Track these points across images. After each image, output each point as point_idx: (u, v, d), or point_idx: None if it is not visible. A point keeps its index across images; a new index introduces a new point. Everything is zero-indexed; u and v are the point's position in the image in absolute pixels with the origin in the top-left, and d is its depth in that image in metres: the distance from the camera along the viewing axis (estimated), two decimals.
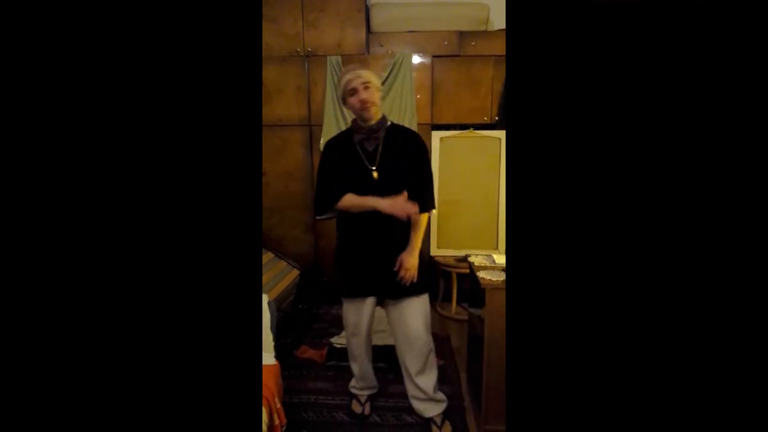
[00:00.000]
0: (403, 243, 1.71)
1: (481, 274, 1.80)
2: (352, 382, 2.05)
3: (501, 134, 2.83)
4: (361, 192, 1.67)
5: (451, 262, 2.90)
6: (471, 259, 2.04)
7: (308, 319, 2.89)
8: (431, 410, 1.83)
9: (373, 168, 1.68)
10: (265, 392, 1.54)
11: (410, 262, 1.69)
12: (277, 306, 2.41)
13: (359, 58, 2.91)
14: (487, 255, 2.09)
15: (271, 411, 1.57)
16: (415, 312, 1.75)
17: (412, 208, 1.60)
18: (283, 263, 2.95)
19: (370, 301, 1.79)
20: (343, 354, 2.41)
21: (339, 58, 2.89)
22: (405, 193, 1.60)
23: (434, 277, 2.01)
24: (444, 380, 2.18)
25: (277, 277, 2.76)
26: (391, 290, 1.73)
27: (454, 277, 2.96)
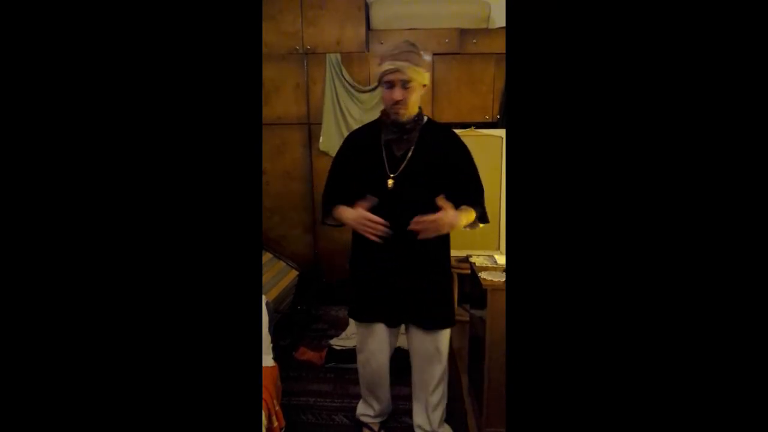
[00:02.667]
0: (433, 263, 1.50)
1: (482, 275, 1.78)
2: (362, 410, 1.80)
3: (502, 133, 2.81)
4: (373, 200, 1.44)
5: (453, 262, 2.87)
6: (472, 259, 2.02)
7: (307, 320, 2.87)
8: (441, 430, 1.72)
9: (391, 175, 1.45)
10: (263, 394, 1.52)
11: (444, 220, 1.34)
12: (275, 307, 2.39)
13: (359, 55, 2.89)
14: (488, 255, 2.07)
15: (269, 413, 1.55)
16: (440, 343, 1.58)
17: (382, 230, 1.37)
18: (282, 263, 2.93)
19: (386, 329, 1.58)
20: (342, 356, 2.39)
21: (338, 55, 2.86)
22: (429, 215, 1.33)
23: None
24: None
25: (276, 277, 2.74)
26: (415, 319, 1.54)
27: (455, 278, 2.94)
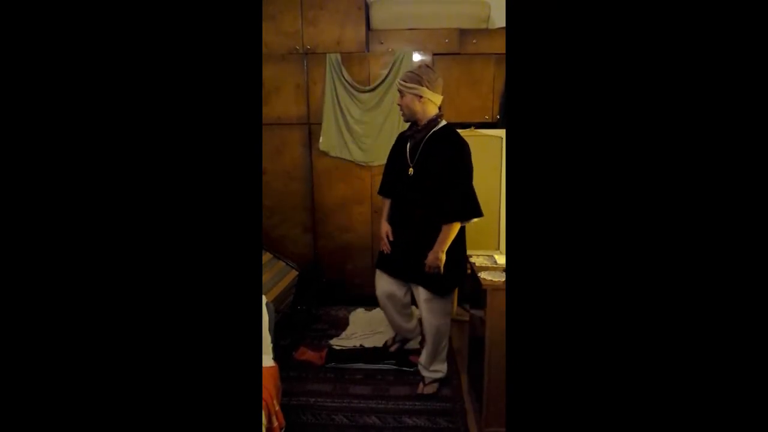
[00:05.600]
0: (427, 235, 1.89)
1: (482, 275, 1.78)
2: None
3: (502, 133, 2.81)
4: (400, 184, 1.99)
5: None
6: (472, 259, 2.01)
7: (307, 320, 2.87)
8: (425, 373, 2.12)
9: (411, 165, 1.94)
10: (263, 394, 1.52)
11: (431, 259, 1.89)
12: (275, 307, 2.38)
13: (359, 55, 2.88)
14: (488, 255, 2.07)
15: (269, 413, 1.55)
16: (423, 299, 1.98)
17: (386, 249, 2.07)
18: (282, 263, 2.92)
19: (387, 277, 2.11)
20: (342, 356, 2.39)
21: (338, 55, 2.86)
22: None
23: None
24: (445, 382, 2.17)
25: (276, 277, 2.73)
26: (403, 272, 2.06)
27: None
